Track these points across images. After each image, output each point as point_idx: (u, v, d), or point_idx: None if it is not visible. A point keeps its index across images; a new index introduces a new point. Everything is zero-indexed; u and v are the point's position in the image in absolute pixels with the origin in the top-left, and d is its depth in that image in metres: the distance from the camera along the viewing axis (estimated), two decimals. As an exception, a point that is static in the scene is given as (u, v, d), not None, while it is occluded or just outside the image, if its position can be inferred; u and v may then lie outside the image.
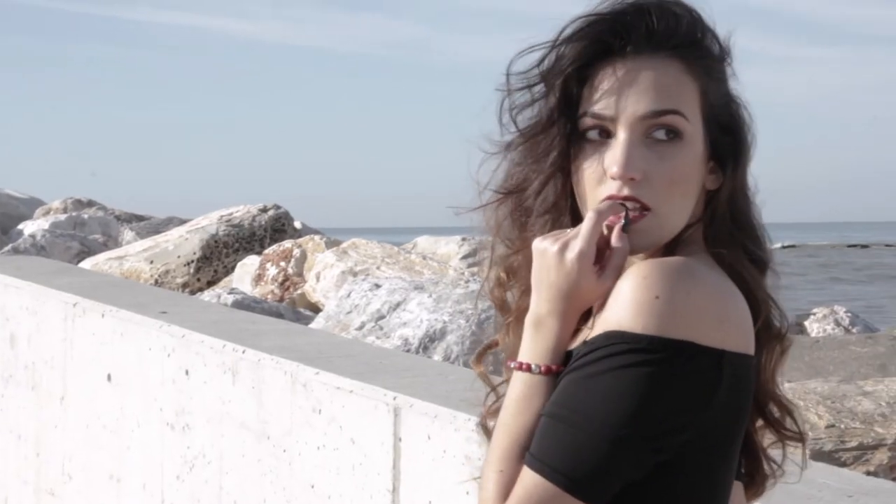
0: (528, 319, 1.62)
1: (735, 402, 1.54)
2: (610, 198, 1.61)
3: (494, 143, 1.71)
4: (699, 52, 1.64)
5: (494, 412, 1.71)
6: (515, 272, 1.74)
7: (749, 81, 1.72)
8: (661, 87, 1.61)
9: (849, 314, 8.45)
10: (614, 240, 1.60)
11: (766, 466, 1.73)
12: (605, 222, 1.60)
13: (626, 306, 1.51)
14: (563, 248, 1.59)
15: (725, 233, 1.64)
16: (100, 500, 4.62)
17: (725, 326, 1.52)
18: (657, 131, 1.60)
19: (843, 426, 4.02)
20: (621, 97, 1.61)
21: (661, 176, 1.60)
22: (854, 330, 8.05)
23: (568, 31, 1.64)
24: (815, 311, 8.48)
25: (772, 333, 1.66)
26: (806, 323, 8.15)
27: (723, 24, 1.68)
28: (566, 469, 1.50)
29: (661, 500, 1.54)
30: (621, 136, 1.60)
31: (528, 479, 1.52)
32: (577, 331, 1.65)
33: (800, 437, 1.74)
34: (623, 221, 1.60)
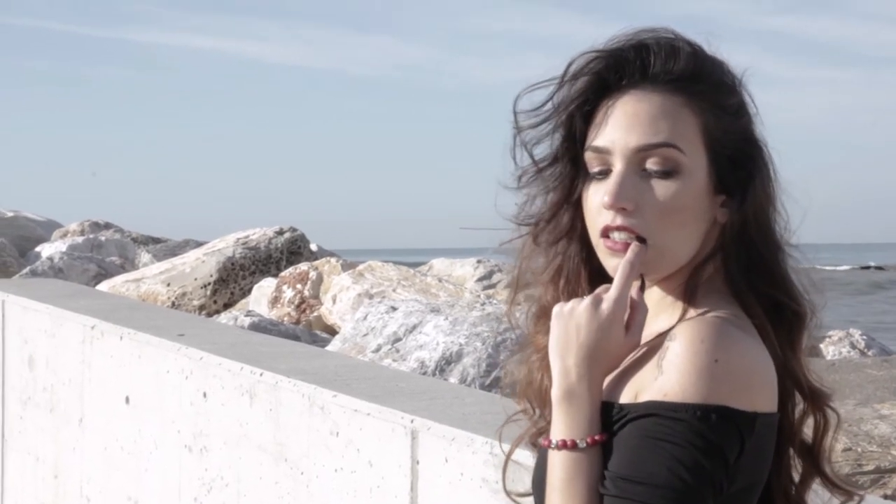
0: (558, 393, 1.62)
1: (759, 462, 1.58)
2: (606, 228, 1.64)
3: (511, 178, 1.75)
4: (700, 87, 1.66)
5: (534, 436, 1.76)
6: (543, 307, 1.76)
7: (763, 102, 1.74)
8: (655, 121, 1.63)
9: (864, 337, 8.43)
10: (635, 295, 1.64)
11: None
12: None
13: (687, 371, 1.53)
14: (597, 301, 1.61)
15: (740, 276, 1.65)
16: (117, 522, 4.63)
17: (763, 390, 1.56)
18: (652, 164, 1.63)
19: (859, 450, 4.02)
20: (617, 131, 1.65)
21: (653, 206, 1.63)
22: (870, 353, 8.03)
23: (572, 69, 1.68)
24: (830, 333, 8.46)
25: (800, 391, 1.67)
26: (821, 346, 8.14)
27: (736, 48, 1.70)
28: None
29: None
30: (616, 167, 1.64)
31: None
32: None
33: (847, 494, 1.74)
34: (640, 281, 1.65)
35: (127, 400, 4.59)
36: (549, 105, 1.69)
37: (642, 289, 1.67)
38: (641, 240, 1.62)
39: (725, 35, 1.70)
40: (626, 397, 1.59)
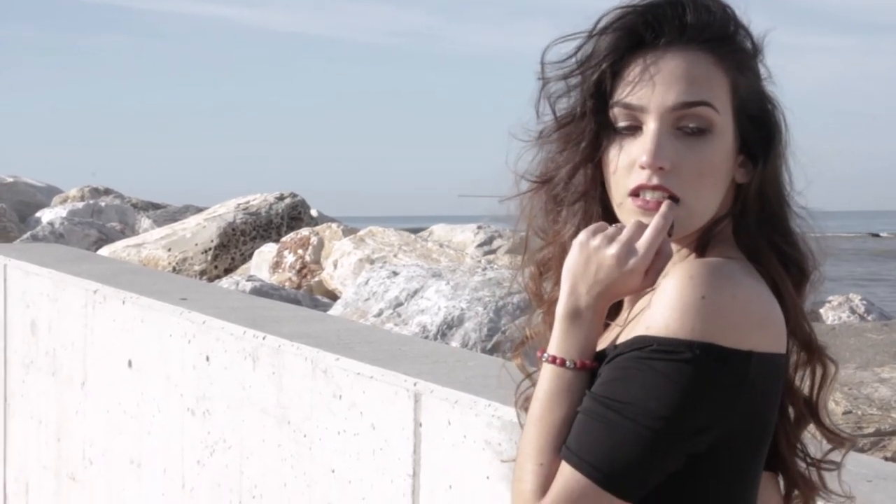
0: (563, 311, 1.62)
1: (761, 401, 1.57)
2: (639, 187, 1.63)
3: (529, 133, 1.74)
4: (731, 47, 1.66)
5: (528, 399, 1.73)
6: (548, 265, 1.76)
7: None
8: (692, 79, 1.63)
9: (864, 302, 8.46)
10: (662, 245, 1.62)
11: (799, 464, 1.74)
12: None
13: (672, 307, 1.52)
14: (628, 251, 1.59)
15: (755, 229, 1.65)
16: (120, 485, 4.66)
17: (760, 329, 1.55)
18: (687, 123, 1.62)
19: (860, 412, 4.04)
20: (652, 88, 1.63)
21: (690, 167, 1.62)
22: (869, 318, 8.05)
23: (603, 23, 1.67)
24: (830, 298, 8.48)
25: (800, 340, 1.67)
26: (821, 311, 8.16)
27: (754, 19, 1.70)
28: (604, 465, 1.52)
29: (692, 496, 1.57)
30: (651, 126, 1.62)
31: (568, 474, 1.54)
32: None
33: (840, 440, 1.75)
34: (670, 225, 1.63)
35: (130, 364, 4.60)
36: (579, 55, 1.67)
37: (671, 234, 1.64)
38: (674, 199, 1.62)
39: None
40: (622, 339, 1.61)
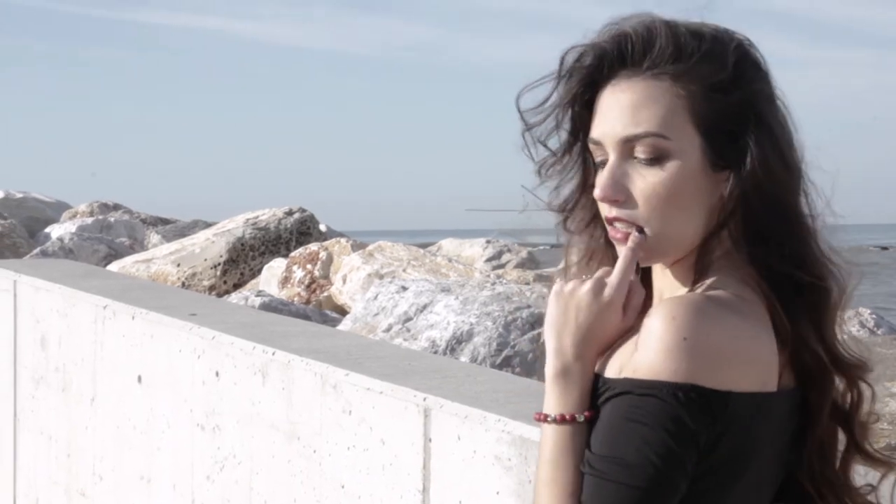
0: (552, 372, 1.65)
1: (743, 440, 1.57)
2: (605, 219, 1.68)
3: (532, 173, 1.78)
4: (682, 67, 1.64)
5: None
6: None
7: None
8: (636, 110, 1.64)
9: (874, 316, 8.44)
10: (632, 282, 1.66)
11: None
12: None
13: (655, 348, 1.54)
14: (599, 286, 1.64)
15: (748, 245, 1.64)
16: (130, 501, 4.66)
17: (740, 368, 1.55)
18: (639, 153, 1.65)
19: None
20: (605, 123, 1.67)
21: (642, 195, 1.64)
22: (879, 332, 8.03)
23: (563, 66, 1.70)
24: (839, 313, 8.44)
25: (806, 365, 1.65)
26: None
27: (764, 33, 1.69)
28: None
29: None
30: (610, 158, 1.67)
31: None
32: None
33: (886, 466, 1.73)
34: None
35: (139, 379, 4.61)
36: (550, 101, 1.71)
37: (638, 272, 1.68)
38: (640, 230, 1.65)
39: (727, 14, 1.70)
40: (610, 371, 1.62)
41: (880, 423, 4.10)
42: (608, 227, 1.68)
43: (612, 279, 1.64)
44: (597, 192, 1.66)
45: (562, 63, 1.70)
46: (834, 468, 1.70)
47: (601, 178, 1.66)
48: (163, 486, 4.44)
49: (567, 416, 1.62)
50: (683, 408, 1.52)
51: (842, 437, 1.71)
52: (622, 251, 1.65)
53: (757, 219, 1.64)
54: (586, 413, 1.61)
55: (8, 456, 5.59)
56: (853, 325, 8.19)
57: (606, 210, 1.67)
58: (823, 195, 1.69)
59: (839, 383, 1.68)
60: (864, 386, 1.70)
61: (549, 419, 1.63)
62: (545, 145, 1.74)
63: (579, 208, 1.75)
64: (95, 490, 4.92)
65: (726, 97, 1.64)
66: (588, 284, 1.65)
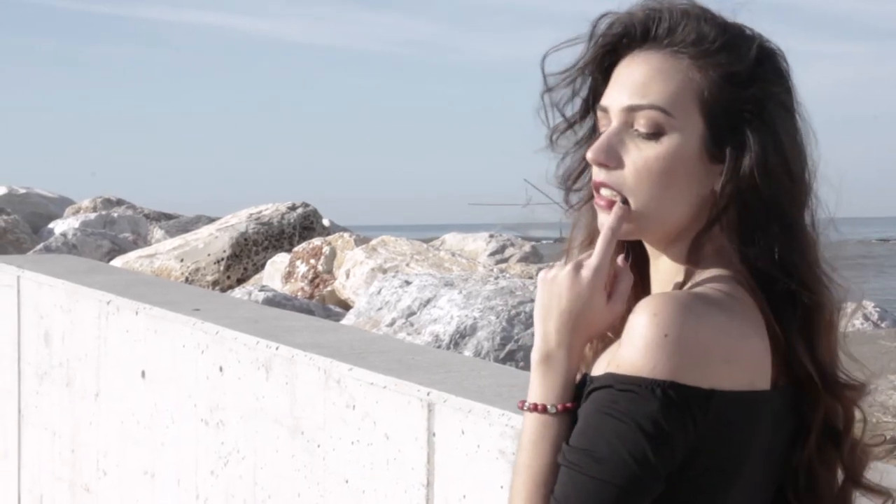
0: (536, 356, 1.64)
1: (729, 439, 1.55)
2: (593, 183, 1.67)
3: (540, 144, 1.77)
4: (704, 52, 1.64)
5: None
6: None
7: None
8: (646, 83, 1.64)
9: (878, 309, 8.43)
10: (620, 263, 1.66)
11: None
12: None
13: (636, 345, 1.53)
14: (577, 267, 1.63)
15: (739, 244, 1.62)
16: (134, 496, 4.66)
17: (724, 366, 1.53)
18: (638, 125, 1.64)
19: (874, 420, 4.02)
20: (614, 91, 1.67)
21: (633, 165, 1.63)
22: (883, 325, 8.03)
23: (591, 30, 1.71)
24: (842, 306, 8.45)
25: (798, 376, 1.62)
26: (835, 318, 8.12)
27: (766, 26, 1.69)
28: None
29: None
30: (612, 125, 1.66)
31: None
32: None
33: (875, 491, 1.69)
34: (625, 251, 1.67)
35: (143, 374, 4.61)
36: (573, 66, 1.71)
37: (627, 258, 1.68)
38: (625, 200, 1.64)
39: (728, 7, 1.70)
40: (598, 369, 1.61)
41: (885, 415, 4.10)
42: (594, 194, 1.67)
43: (591, 260, 1.62)
44: (589, 154, 1.65)
45: (593, 28, 1.70)
46: (819, 494, 1.65)
47: (596, 142, 1.66)
48: (167, 482, 4.44)
49: (539, 406, 1.61)
50: (660, 404, 1.50)
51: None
52: (603, 228, 1.63)
53: (751, 220, 1.62)
54: (560, 405, 1.60)
55: (12, 451, 5.60)
56: (857, 318, 8.19)
57: (595, 173, 1.66)
58: (828, 210, 1.67)
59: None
60: (849, 405, 1.65)
61: (525, 406, 1.64)
62: (561, 112, 1.73)
63: (584, 178, 1.74)
64: (99, 485, 4.92)
65: (739, 91, 1.64)
66: (567, 268, 1.63)
